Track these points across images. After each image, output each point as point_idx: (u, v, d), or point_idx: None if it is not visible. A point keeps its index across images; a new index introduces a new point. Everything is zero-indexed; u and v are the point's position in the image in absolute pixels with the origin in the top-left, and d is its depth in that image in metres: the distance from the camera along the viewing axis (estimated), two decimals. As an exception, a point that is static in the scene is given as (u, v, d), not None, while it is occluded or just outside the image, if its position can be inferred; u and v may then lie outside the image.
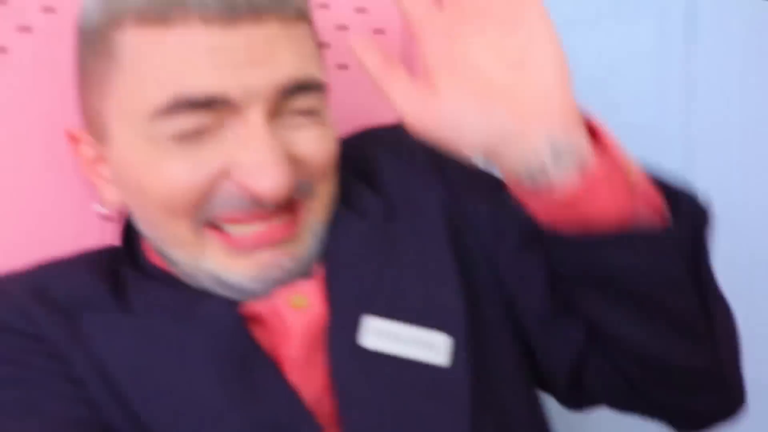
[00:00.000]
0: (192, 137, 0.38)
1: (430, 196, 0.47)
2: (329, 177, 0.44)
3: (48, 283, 0.43)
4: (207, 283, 0.42)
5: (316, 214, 0.43)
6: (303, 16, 0.41)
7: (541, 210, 0.38)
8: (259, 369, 0.39)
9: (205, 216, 0.40)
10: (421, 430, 0.39)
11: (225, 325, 0.40)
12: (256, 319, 0.41)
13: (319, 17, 0.48)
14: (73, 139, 0.46)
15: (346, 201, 0.46)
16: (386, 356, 0.40)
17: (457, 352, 0.41)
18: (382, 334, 0.40)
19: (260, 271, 0.41)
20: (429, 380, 0.40)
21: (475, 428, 0.39)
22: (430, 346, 0.41)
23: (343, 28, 0.60)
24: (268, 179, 0.37)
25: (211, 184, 0.39)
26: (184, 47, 0.37)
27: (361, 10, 0.61)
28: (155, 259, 0.45)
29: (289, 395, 0.39)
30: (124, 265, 0.45)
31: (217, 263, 0.41)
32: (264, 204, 0.39)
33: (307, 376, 0.40)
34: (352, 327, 0.40)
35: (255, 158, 0.38)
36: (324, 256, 0.44)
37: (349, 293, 0.42)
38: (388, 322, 0.41)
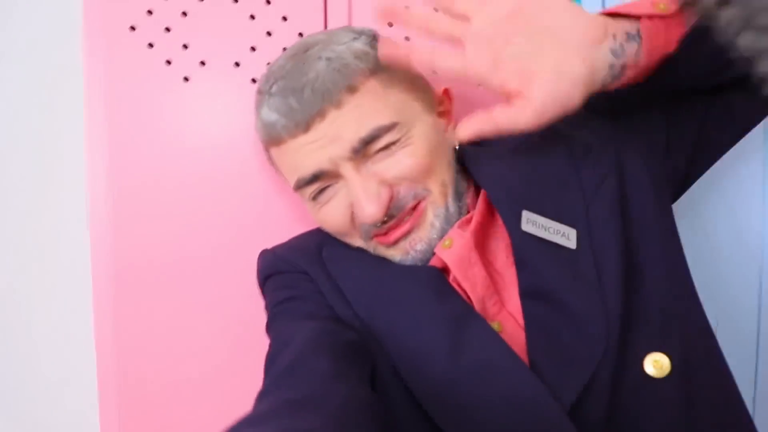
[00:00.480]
0: (325, 194, 0.61)
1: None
2: (435, 172, 0.61)
3: (301, 241, 0.69)
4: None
5: (435, 203, 0.62)
6: (354, 87, 0.58)
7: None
8: (446, 288, 0.59)
9: (363, 233, 0.62)
10: (563, 291, 0.55)
11: (425, 267, 0.61)
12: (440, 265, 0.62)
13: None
14: None
15: (485, 144, 0.64)
16: (538, 238, 0.57)
17: (580, 240, 0.57)
18: (534, 223, 0.58)
19: (404, 254, 0.62)
20: (565, 257, 0.57)
21: (604, 293, 0.55)
22: (563, 234, 0.57)
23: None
24: (365, 211, 0.58)
25: (350, 218, 0.62)
26: (290, 152, 0.60)
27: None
28: None
29: (463, 300, 0.58)
30: None
31: (384, 253, 0.64)
32: (372, 225, 0.60)
33: (471, 280, 0.59)
34: (517, 218, 0.58)
35: (355, 198, 0.59)
36: (481, 182, 0.62)
37: (509, 198, 0.59)
38: (537, 215, 0.58)
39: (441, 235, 0.62)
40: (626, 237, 0.58)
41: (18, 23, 0.86)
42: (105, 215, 0.76)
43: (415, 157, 0.60)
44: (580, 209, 0.59)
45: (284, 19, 0.79)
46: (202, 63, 0.78)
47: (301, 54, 0.61)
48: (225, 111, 0.78)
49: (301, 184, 0.61)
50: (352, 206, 0.61)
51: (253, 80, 0.79)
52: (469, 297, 0.59)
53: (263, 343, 0.61)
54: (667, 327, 0.56)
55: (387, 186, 0.60)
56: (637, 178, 0.62)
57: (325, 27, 0.80)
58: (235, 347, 0.79)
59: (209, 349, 0.79)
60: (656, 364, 0.54)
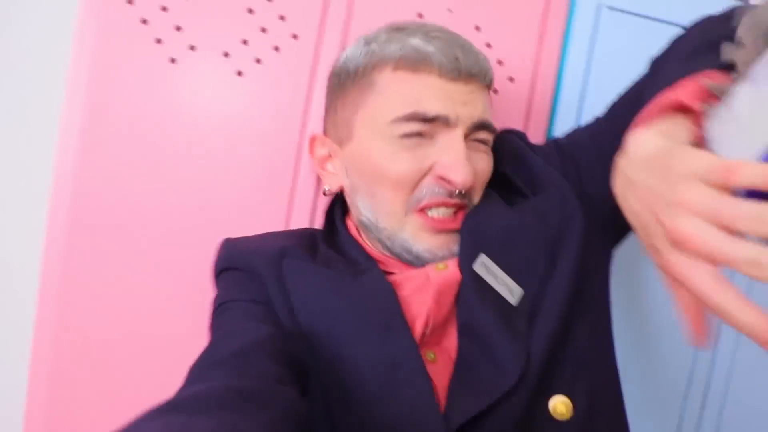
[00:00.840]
0: (414, 140, 0.61)
1: (558, 192, 0.65)
2: (481, 191, 0.65)
3: (266, 243, 0.66)
4: (397, 249, 0.64)
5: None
6: (489, 86, 0.66)
7: None
8: (395, 322, 0.58)
9: (414, 199, 0.62)
10: (493, 333, 0.57)
11: (380, 288, 0.60)
12: (400, 284, 0.61)
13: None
14: (313, 140, 0.71)
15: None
16: (484, 282, 0.60)
17: (522, 300, 0.60)
18: (486, 268, 0.60)
19: (438, 248, 0.62)
20: (504, 307, 0.59)
21: (530, 346, 0.57)
22: (509, 289, 0.60)
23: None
24: (461, 172, 0.59)
25: (422, 175, 0.61)
26: (424, 85, 0.61)
27: (500, 62, 0.86)
28: (353, 232, 0.69)
29: (405, 339, 0.57)
30: (321, 241, 0.68)
31: (412, 235, 0.63)
32: (454, 189, 0.60)
33: (440, 304, 0.60)
34: (473, 258, 0.60)
35: (454, 158, 0.60)
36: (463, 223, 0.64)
37: (473, 239, 0.62)
38: (492, 263, 0.61)
39: None
40: (569, 303, 0.60)
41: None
42: (70, 179, 0.77)
43: (489, 166, 0.66)
44: (537, 275, 0.61)
45: (281, 18, 0.80)
46: (192, 47, 0.78)
47: (451, 32, 0.65)
48: (206, 98, 0.79)
49: (416, 118, 0.60)
50: (437, 165, 0.61)
51: (239, 73, 0.79)
52: (428, 318, 0.60)
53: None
54: (577, 375, 0.59)
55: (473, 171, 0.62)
56: (593, 240, 0.65)
57: (320, 35, 0.81)
58: (178, 347, 0.80)
59: (151, 348, 0.79)
60: (560, 407, 0.57)
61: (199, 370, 0.50)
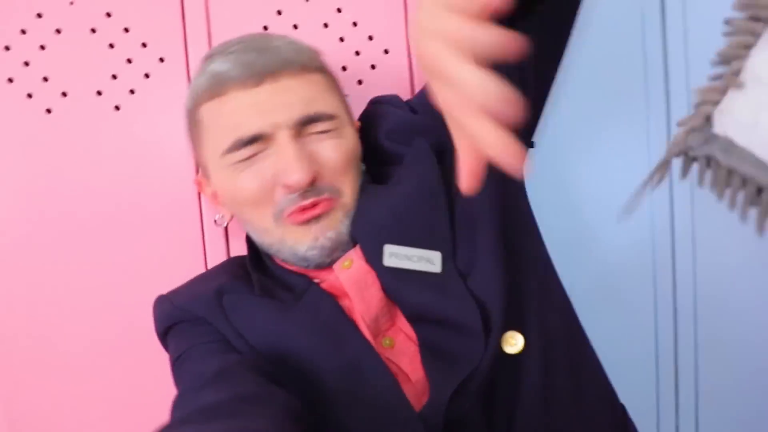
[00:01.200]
0: (249, 160, 0.61)
1: (421, 143, 0.65)
2: (350, 177, 0.64)
3: (199, 288, 0.67)
4: (292, 259, 0.64)
5: (345, 206, 0.64)
6: (309, 69, 0.63)
7: None
8: (345, 327, 0.60)
9: (277, 211, 0.62)
10: (439, 311, 0.59)
11: (322, 302, 0.62)
12: (337, 290, 0.63)
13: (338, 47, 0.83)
14: (198, 183, 0.73)
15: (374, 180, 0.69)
16: (402, 270, 0.60)
17: (445, 262, 0.60)
18: (396, 256, 0.60)
19: (314, 240, 0.62)
20: (434, 280, 0.59)
21: (478, 300, 0.58)
22: (428, 260, 0.60)
23: (357, 53, 0.86)
24: (293, 173, 0.59)
25: (271, 187, 0.61)
26: (233, 107, 0.61)
27: (371, 38, 0.85)
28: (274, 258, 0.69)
29: (360, 339, 0.59)
30: (252, 270, 0.68)
31: (294, 240, 0.63)
32: (299, 190, 0.60)
33: (367, 301, 0.61)
34: (379, 253, 0.61)
35: (284, 162, 0.60)
36: (355, 217, 0.64)
37: (370, 233, 0.62)
38: (399, 247, 0.60)
39: (347, 236, 0.64)
40: (501, 245, 0.61)
41: None
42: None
43: (342, 150, 0.63)
44: (446, 227, 0.62)
45: (144, 45, 0.81)
46: (64, 94, 0.80)
47: (261, 34, 0.66)
48: (88, 139, 0.80)
49: (239, 146, 0.61)
50: (277, 174, 0.61)
51: (117, 107, 0.80)
52: (362, 318, 0.61)
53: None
54: (522, 308, 0.60)
55: (315, 164, 0.61)
56: (503, 180, 0.64)
57: (186, 51, 0.82)
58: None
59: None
60: (511, 342, 0.59)
61: (188, 395, 0.52)
